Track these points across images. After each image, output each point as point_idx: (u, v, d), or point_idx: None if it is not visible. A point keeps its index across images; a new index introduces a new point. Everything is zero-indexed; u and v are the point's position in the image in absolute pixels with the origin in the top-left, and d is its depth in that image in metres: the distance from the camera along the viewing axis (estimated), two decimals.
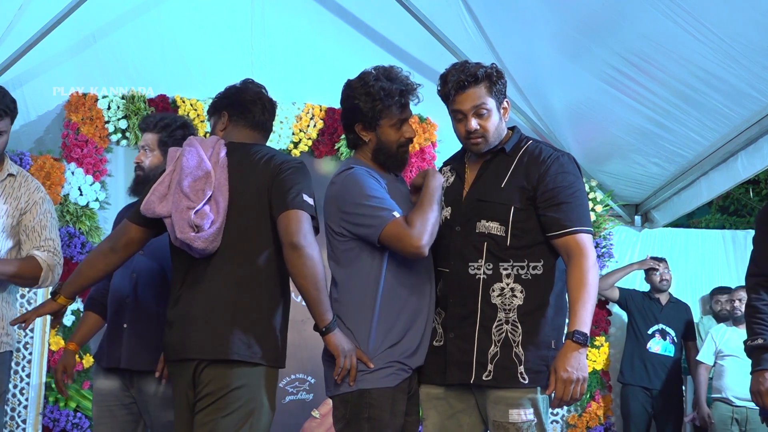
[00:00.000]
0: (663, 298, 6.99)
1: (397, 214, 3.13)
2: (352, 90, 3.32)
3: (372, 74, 3.31)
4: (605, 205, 7.15)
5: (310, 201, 3.21)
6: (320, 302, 3.11)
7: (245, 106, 3.43)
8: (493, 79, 3.22)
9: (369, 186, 3.20)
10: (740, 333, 6.55)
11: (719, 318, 6.92)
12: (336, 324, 3.16)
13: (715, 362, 6.63)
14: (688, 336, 6.94)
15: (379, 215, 3.14)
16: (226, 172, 3.24)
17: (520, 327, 3.16)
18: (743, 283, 3.85)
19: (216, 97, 3.52)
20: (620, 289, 7.01)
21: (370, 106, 3.27)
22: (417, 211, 3.16)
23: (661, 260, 7.08)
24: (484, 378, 3.15)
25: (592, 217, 6.81)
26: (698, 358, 6.71)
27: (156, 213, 3.22)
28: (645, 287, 7.11)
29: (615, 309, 7.20)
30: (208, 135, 4.20)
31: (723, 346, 6.60)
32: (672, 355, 6.83)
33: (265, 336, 3.19)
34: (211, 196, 3.19)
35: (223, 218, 3.18)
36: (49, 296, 3.50)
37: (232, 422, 3.11)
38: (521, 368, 3.13)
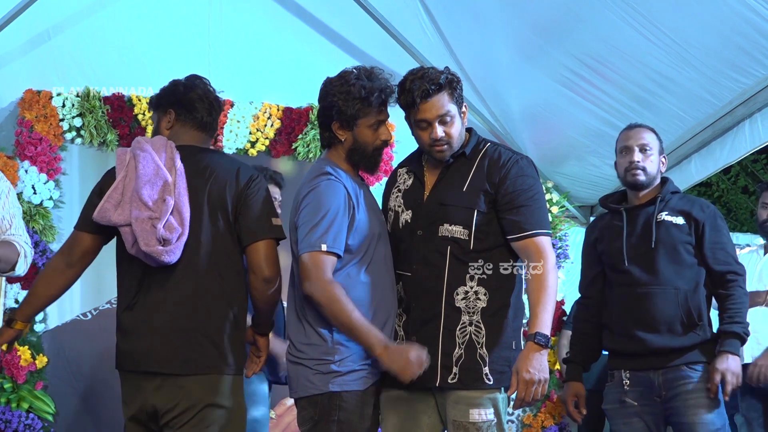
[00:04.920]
0: None
1: (324, 247, 3.09)
2: (331, 88, 3.27)
3: (353, 73, 3.28)
4: (561, 206, 7.18)
5: (278, 222, 3.22)
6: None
7: (193, 106, 3.36)
8: (453, 84, 3.23)
9: (330, 204, 3.15)
10: None
11: None
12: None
13: None
14: None
15: (312, 237, 3.11)
16: (185, 180, 3.17)
17: (483, 328, 3.18)
18: None
19: (161, 93, 3.44)
20: (571, 323, 7.02)
21: (349, 104, 3.22)
22: (340, 298, 3.08)
23: None
24: (449, 381, 3.17)
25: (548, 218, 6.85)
26: None
27: (112, 222, 3.14)
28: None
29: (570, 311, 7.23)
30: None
31: None
32: None
33: (235, 346, 3.18)
34: (173, 207, 3.12)
35: (187, 230, 3.12)
36: (3, 323, 3.35)
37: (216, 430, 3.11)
38: (486, 369, 3.16)
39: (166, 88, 3.44)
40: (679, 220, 3.81)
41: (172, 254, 3.08)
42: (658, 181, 3.96)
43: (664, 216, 3.82)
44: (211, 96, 3.41)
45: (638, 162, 3.87)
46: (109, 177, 3.30)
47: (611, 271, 3.91)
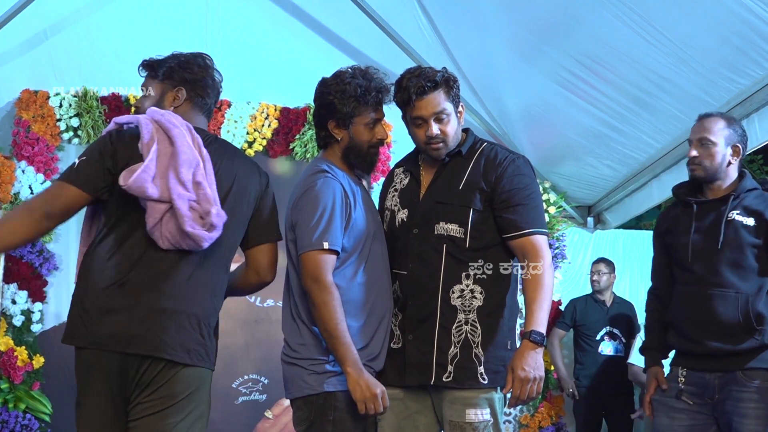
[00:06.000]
0: (608, 300, 7.01)
1: (326, 245, 3.09)
2: (327, 87, 3.28)
3: (348, 72, 3.28)
4: (558, 207, 7.20)
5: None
6: None
7: (206, 90, 3.22)
8: (450, 83, 3.23)
9: (327, 201, 3.15)
10: None
11: None
12: None
13: None
14: (630, 334, 6.97)
15: (313, 236, 3.10)
16: (212, 166, 3.04)
17: (479, 328, 3.18)
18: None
19: (172, 64, 3.21)
20: (564, 323, 7.04)
21: (345, 103, 3.22)
22: (334, 306, 3.08)
23: (600, 261, 7.10)
24: (444, 379, 3.16)
25: (546, 218, 6.85)
26: (630, 360, 6.71)
27: (147, 194, 2.86)
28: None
29: None
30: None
31: None
32: (623, 354, 6.88)
33: (216, 341, 3.15)
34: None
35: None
36: None
37: (188, 424, 3.03)
38: (481, 369, 3.16)
39: (178, 62, 3.21)
40: (750, 221, 3.66)
41: (211, 241, 2.97)
42: (734, 175, 3.78)
43: (735, 215, 3.67)
44: (220, 83, 3.31)
45: (694, 157, 3.74)
46: (115, 141, 3.03)
47: (676, 265, 3.83)
